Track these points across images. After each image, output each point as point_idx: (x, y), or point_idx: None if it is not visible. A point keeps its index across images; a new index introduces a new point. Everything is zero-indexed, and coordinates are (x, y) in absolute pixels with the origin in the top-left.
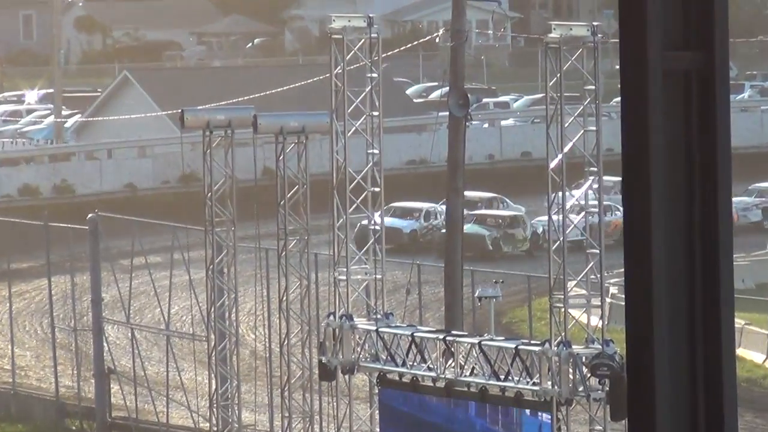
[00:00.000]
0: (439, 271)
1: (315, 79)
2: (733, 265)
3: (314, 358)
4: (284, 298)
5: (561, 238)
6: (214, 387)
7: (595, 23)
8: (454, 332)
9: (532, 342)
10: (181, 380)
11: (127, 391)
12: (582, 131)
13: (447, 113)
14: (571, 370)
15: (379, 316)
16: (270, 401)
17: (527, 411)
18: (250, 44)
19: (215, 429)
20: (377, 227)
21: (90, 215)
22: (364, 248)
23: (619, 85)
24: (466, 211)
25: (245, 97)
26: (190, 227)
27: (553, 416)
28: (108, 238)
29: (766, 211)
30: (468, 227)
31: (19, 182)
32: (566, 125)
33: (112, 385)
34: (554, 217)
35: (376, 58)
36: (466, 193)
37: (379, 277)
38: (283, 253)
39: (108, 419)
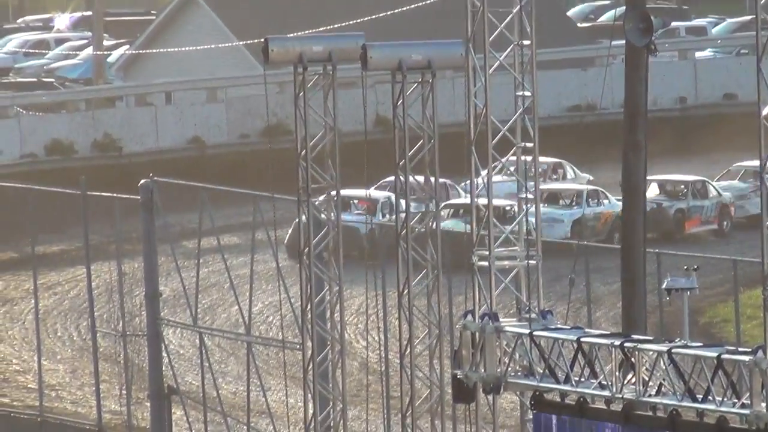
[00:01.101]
0: (613, 254)
1: None
2: None
3: (446, 373)
4: (405, 292)
5: None
6: (311, 411)
7: None
8: (634, 337)
9: (740, 350)
10: (266, 403)
11: (194, 418)
12: None
13: (623, 42)
14: None
15: (533, 316)
16: (386, 430)
17: None
18: None
19: None
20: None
21: (143, 181)
22: (513, 224)
23: None
24: (442, 202)
25: (350, 22)
26: (277, 197)
27: None
28: (167, 211)
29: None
30: (448, 223)
31: (47, 137)
32: None
33: (173, 410)
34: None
35: None
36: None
37: (533, 262)
38: (404, 230)
39: None
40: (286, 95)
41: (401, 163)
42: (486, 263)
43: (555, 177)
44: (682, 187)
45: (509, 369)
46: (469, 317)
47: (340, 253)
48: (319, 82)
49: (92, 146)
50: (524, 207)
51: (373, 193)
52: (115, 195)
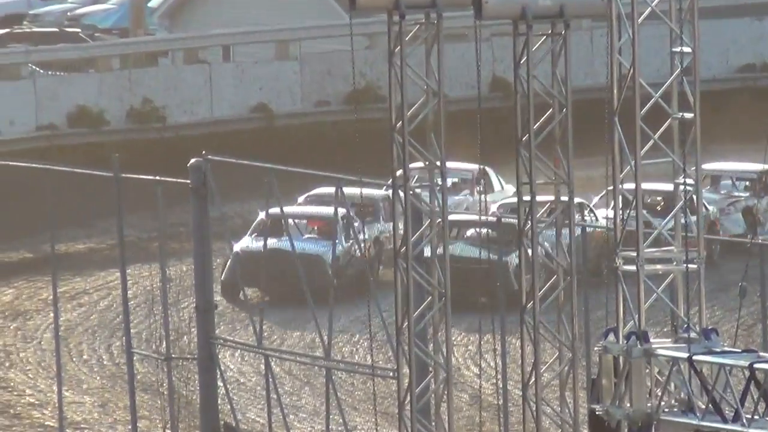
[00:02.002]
0: None
1: None
2: None
3: (582, 408)
4: (530, 305)
5: None
6: None
7: None
8: None
9: None
10: None
11: None
12: None
13: None
14: None
15: (693, 335)
16: None
17: None
18: None
19: None
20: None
21: (194, 160)
22: (668, 217)
23: None
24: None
25: None
26: (365, 180)
27: None
28: (225, 199)
29: (748, 215)
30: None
31: (70, 103)
32: None
33: None
34: None
35: None
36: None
37: (693, 267)
38: (528, 224)
39: None
40: (377, 51)
41: (525, 137)
42: (632, 268)
43: (479, 189)
44: (659, 198)
45: (662, 404)
46: (611, 337)
47: (446, 252)
48: (420, 34)
49: (128, 115)
50: (682, 195)
51: (325, 210)
52: (157, 178)
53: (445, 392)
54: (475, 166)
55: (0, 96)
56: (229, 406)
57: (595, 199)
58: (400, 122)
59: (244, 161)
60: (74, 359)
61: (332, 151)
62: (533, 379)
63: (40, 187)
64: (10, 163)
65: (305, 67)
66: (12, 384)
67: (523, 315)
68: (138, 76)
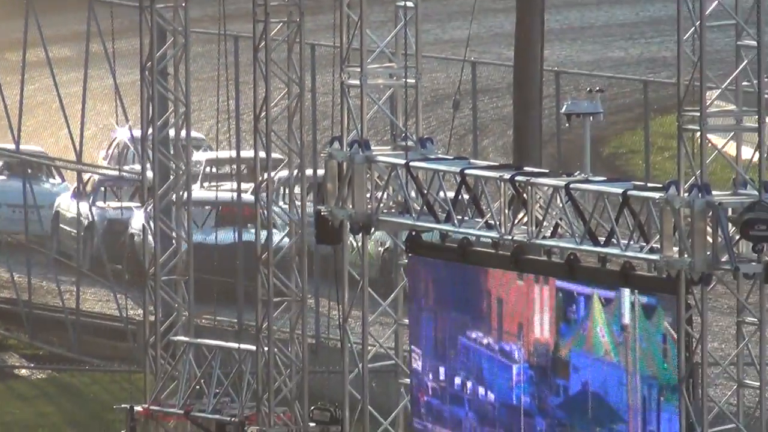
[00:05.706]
0: (502, 73)
1: None
2: None
3: (309, 209)
4: (263, 115)
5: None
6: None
7: None
8: (527, 169)
9: (650, 186)
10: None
11: None
12: None
13: None
14: (710, 230)
15: (410, 143)
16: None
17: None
18: None
19: None
20: None
21: None
22: (390, 36)
23: None
24: None
25: None
26: (113, 1)
27: (680, 300)
28: None
29: None
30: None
31: None
32: None
33: None
34: None
35: None
36: None
37: (411, 81)
38: (262, 43)
39: None
40: None
41: None
42: (357, 82)
43: None
44: None
45: (381, 205)
46: (336, 145)
47: (187, 67)
48: None
49: None
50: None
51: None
52: None
53: (186, 206)
54: None
55: None
56: None
57: None
58: None
59: None
60: None
61: None
62: (265, 177)
63: None
64: None
65: None
66: None
67: (257, 124)
68: None
